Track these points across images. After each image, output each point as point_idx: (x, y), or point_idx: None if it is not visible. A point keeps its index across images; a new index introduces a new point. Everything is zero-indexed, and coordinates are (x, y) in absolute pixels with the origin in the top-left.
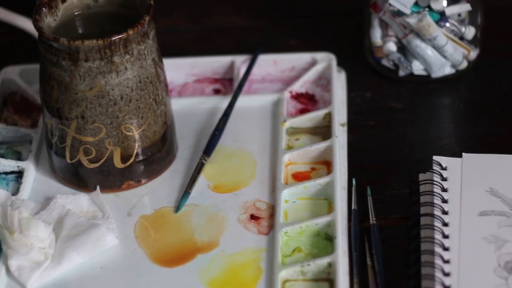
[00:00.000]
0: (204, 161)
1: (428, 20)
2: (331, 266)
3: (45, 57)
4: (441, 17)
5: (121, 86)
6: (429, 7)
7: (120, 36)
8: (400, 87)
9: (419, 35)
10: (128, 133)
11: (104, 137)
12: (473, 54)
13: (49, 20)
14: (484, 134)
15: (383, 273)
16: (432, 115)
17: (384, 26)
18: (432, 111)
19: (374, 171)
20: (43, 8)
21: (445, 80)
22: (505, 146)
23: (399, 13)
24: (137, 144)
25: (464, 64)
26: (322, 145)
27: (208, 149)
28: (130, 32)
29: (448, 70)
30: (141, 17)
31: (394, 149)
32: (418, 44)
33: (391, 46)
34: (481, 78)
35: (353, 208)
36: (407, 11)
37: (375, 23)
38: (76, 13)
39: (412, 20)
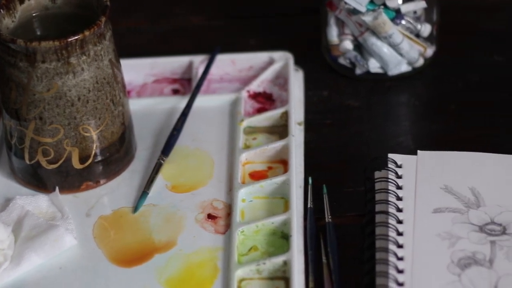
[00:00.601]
0: (162, 161)
1: (384, 18)
2: (286, 264)
3: (3, 58)
4: (397, 15)
5: (78, 87)
6: (384, 5)
7: (76, 37)
8: (357, 85)
9: (375, 33)
10: (86, 134)
11: (62, 138)
12: (430, 51)
13: (7, 22)
14: (440, 131)
15: (338, 271)
16: (388, 113)
17: (341, 24)
18: (388, 109)
19: (331, 170)
20: (1, 10)
21: (401, 77)
22: (461, 143)
23: (354, 11)
24: (95, 145)
25: (421, 62)
26: (279, 144)
27: (166, 149)
28: (86, 33)
29: (404, 68)
30: (97, 18)
31: (350, 147)
32: (374, 42)
33: (348, 45)
34: (438, 75)
35: (309, 206)
36: (363, 9)
37: (332, 21)
38: (34, 15)
39: (367, 18)
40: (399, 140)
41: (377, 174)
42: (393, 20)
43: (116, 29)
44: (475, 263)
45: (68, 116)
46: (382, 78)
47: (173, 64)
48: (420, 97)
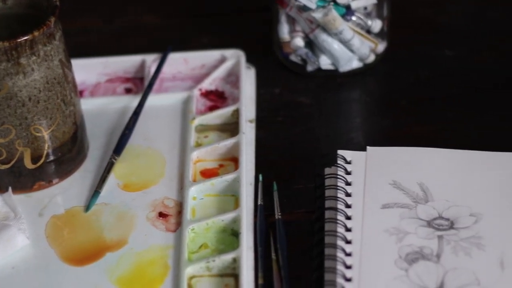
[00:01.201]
0: (114, 161)
1: (334, 14)
2: (235, 261)
3: None
4: (347, 11)
5: (29, 87)
6: (334, 1)
7: (25, 38)
8: (308, 82)
9: (325, 29)
10: (37, 134)
11: (14, 138)
12: (381, 47)
13: None
14: (391, 127)
15: (287, 267)
16: (339, 109)
17: (291, 21)
18: (340, 105)
19: (281, 167)
20: None
21: (352, 74)
22: (411, 139)
23: (305, 8)
24: (47, 145)
25: (372, 58)
26: (230, 141)
27: (118, 149)
28: (36, 33)
29: (355, 64)
30: (47, 18)
31: (301, 144)
32: (325, 39)
33: (299, 42)
34: (389, 71)
35: (259, 203)
36: (313, 6)
37: (283, 19)
38: None
39: (317, 15)
40: (350, 136)
41: (327, 170)
42: (343, 16)
43: (69, 29)
44: (423, 257)
45: (19, 117)
46: (333, 75)
47: (125, 63)
48: (371, 93)
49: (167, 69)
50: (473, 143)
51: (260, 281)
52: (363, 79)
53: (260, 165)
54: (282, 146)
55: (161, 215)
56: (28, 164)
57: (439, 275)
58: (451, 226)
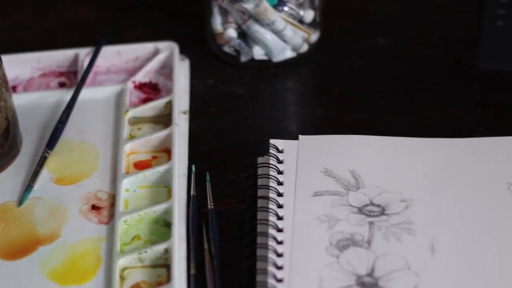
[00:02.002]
0: (47, 155)
1: (265, 5)
2: (167, 252)
3: None
4: (279, 2)
5: None
6: None
7: None
8: (242, 73)
9: (258, 20)
10: None
11: None
12: (314, 37)
13: None
14: (324, 116)
15: (219, 256)
16: (273, 99)
17: (224, 13)
18: (273, 95)
19: (215, 157)
20: None
21: (286, 64)
22: (344, 127)
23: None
24: None
25: (305, 48)
26: (162, 133)
27: (51, 143)
28: None
29: (289, 54)
30: None
31: (234, 134)
32: (258, 29)
33: (231, 33)
34: (322, 61)
35: (192, 194)
36: None
37: (215, 10)
38: None
39: (249, 6)
40: (283, 125)
41: (260, 160)
42: (275, 7)
43: (3, 25)
44: (354, 244)
45: None
46: (267, 65)
47: (58, 57)
48: (304, 82)
49: (101, 62)
50: (404, 130)
51: (192, 271)
52: (297, 68)
53: (194, 156)
54: (216, 137)
55: (94, 207)
56: None
57: (370, 261)
58: (382, 212)
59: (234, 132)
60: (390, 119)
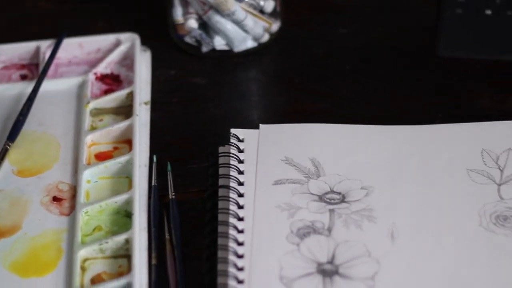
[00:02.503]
0: (8, 147)
1: None
2: (128, 242)
3: None
4: None
5: None
6: None
7: None
8: (204, 63)
9: (218, 11)
10: None
11: None
12: (275, 26)
13: None
14: (285, 105)
15: (180, 246)
16: (235, 89)
17: (185, 3)
18: (235, 85)
19: (176, 147)
20: None
21: (247, 53)
22: (305, 116)
23: None
24: None
25: (266, 37)
26: (123, 124)
27: (12, 135)
28: None
29: (250, 44)
30: None
31: (196, 124)
32: (218, 20)
33: (192, 23)
34: (283, 50)
35: (153, 184)
36: None
37: (176, 1)
38: None
39: None
40: (245, 115)
41: (221, 149)
42: None
43: None
44: (314, 232)
45: None
46: (228, 55)
47: (20, 50)
48: (266, 72)
49: (62, 54)
50: (365, 118)
51: (154, 261)
52: (258, 58)
53: (155, 146)
54: (177, 127)
55: (55, 199)
56: None
57: (330, 248)
58: (343, 199)
59: (195, 122)
60: (351, 108)
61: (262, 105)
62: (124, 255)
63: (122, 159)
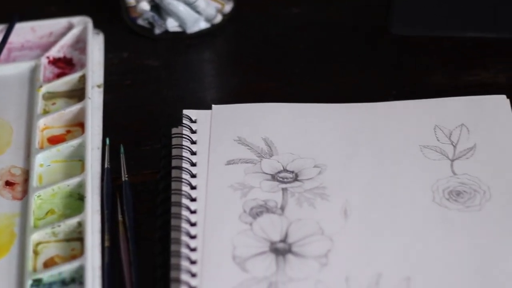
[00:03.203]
0: None
1: None
2: (81, 225)
3: None
4: None
5: None
6: None
7: None
8: (157, 45)
9: None
10: None
11: None
12: (227, 7)
13: None
14: (239, 85)
15: (134, 228)
16: (188, 70)
17: None
18: (188, 66)
19: (130, 130)
20: None
21: (200, 35)
22: (258, 95)
23: None
24: None
25: (219, 18)
26: (76, 107)
27: None
28: None
29: (203, 25)
30: None
31: (149, 106)
32: (170, 1)
33: (144, 5)
34: (237, 31)
35: (106, 167)
36: None
37: None
38: None
39: None
40: (198, 96)
41: (174, 130)
42: None
43: None
44: (267, 211)
45: None
46: (181, 37)
47: None
48: (219, 53)
49: (15, 38)
50: (319, 97)
51: (107, 244)
52: (211, 39)
53: (108, 129)
54: (130, 109)
55: (8, 183)
56: None
57: (283, 227)
58: (296, 178)
59: (149, 104)
60: (305, 87)
61: (216, 86)
62: (77, 238)
63: (75, 142)
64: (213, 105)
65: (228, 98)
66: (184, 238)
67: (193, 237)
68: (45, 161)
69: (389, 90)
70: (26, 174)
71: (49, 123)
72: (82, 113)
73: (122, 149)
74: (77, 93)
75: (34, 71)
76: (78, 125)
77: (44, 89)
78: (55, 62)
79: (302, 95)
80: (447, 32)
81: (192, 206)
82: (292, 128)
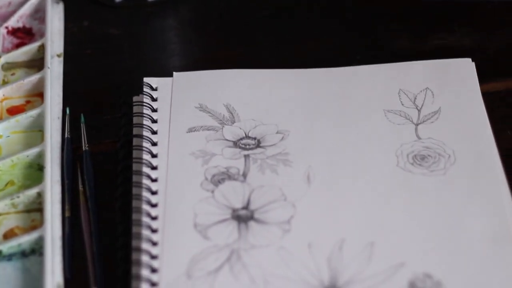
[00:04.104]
0: None
1: None
2: (40, 196)
3: None
4: None
5: None
6: None
7: None
8: (118, 14)
9: None
10: None
11: None
12: None
13: None
14: (200, 52)
15: (94, 197)
16: (149, 38)
17: None
18: (150, 34)
19: (91, 99)
20: None
21: (162, 2)
22: (221, 62)
23: None
24: None
25: None
26: (35, 77)
27: None
28: None
29: None
30: None
31: (111, 75)
32: None
33: None
34: None
35: (66, 136)
36: None
37: None
38: None
39: None
40: (160, 64)
41: (135, 98)
42: None
43: None
44: (229, 178)
45: None
46: (143, 4)
47: None
48: (181, 20)
49: None
50: (282, 63)
51: (67, 214)
52: (173, 7)
53: (69, 99)
54: (91, 79)
55: None
56: None
57: (246, 194)
58: (258, 144)
59: (110, 73)
60: (268, 53)
61: (178, 53)
62: (37, 209)
63: (34, 112)
64: (174, 73)
65: (190, 65)
66: (145, 206)
67: (154, 205)
68: (4, 132)
69: (354, 55)
70: None
71: (8, 93)
72: (41, 83)
73: (82, 119)
74: (37, 63)
75: None
76: (38, 95)
77: (3, 59)
78: (14, 32)
79: (265, 61)
80: None
81: (153, 174)
82: (254, 95)
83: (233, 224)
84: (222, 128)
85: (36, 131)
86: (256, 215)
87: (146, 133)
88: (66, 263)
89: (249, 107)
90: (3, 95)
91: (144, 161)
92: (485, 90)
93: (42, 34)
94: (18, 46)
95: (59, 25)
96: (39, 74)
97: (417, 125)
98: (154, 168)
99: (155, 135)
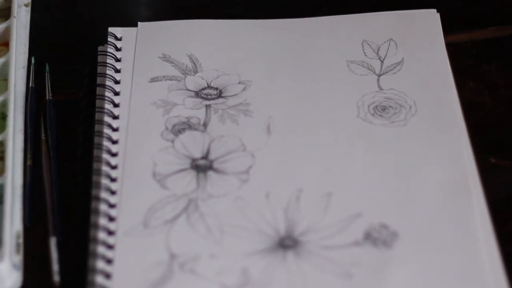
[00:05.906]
0: None
1: None
2: (3, 144)
3: None
4: None
5: None
6: None
7: None
8: None
9: None
10: None
11: None
12: None
13: None
14: (166, 3)
15: (56, 146)
16: None
17: None
18: None
19: (57, 49)
20: None
21: None
22: (186, 13)
23: None
24: None
25: None
26: (1, 26)
27: None
28: None
29: None
30: None
31: (78, 25)
32: None
33: None
34: None
35: (30, 86)
36: None
37: None
38: None
39: None
40: (127, 14)
41: (100, 48)
42: None
43: None
44: (190, 128)
45: None
46: None
47: None
48: None
49: None
50: (247, 13)
51: (29, 162)
52: None
53: (35, 48)
54: (58, 28)
55: None
56: None
57: (205, 144)
58: (220, 95)
59: (76, 23)
60: (232, 3)
61: (144, 4)
62: None
63: None
64: (139, 23)
65: (156, 15)
66: (105, 156)
67: (114, 155)
68: None
69: (320, 6)
70: None
71: None
72: (8, 32)
73: (47, 68)
74: (4, 13)
75: None
76: (4, 44)
77: None
78: None
79: (228, 12)
80: None
81: (114, 123)
82: (217, 45)
83: (192, 174)
84: (185, 78)
85: (1, 80)
86: (215, 165)
87: (109, 82)
88: (26, 211)
89: (213, 58)
90: None
91: (105, 110)
92: (449, 41)
93: None
94: None
95: None
96: (5, 23)
97: (379, 76)
98: (115, 117)
99: (118, 85)
